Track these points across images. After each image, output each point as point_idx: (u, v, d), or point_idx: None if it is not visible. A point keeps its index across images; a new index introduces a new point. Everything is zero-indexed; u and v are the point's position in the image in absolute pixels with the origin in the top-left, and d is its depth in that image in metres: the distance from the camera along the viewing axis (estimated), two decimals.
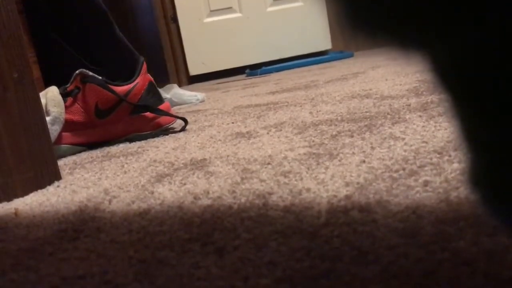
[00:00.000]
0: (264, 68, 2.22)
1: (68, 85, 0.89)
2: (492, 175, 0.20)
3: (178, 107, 1.42)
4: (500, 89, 0.17)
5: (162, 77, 1.73)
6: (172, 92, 1.47)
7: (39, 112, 0.66)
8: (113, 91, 0.88)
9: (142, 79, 0.93)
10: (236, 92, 1.56)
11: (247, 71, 2.26)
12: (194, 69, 2.43)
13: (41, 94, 0.85)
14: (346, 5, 0.19)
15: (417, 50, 0.20)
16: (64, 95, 0.88)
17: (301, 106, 0.99)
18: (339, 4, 0.19)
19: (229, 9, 2.43)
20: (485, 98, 0.18)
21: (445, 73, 0.20)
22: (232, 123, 0.92)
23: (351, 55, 2.29)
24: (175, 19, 2.40)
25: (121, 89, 0.89)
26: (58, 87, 0.89)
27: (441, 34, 0.17)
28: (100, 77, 0.89)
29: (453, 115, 0.21)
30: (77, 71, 0.88)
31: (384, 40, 0.20)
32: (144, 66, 0.94)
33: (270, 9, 2.45)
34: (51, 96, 0.86)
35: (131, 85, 0.91)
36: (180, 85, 2.34)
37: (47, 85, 0.97)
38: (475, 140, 0.20)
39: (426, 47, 0.19)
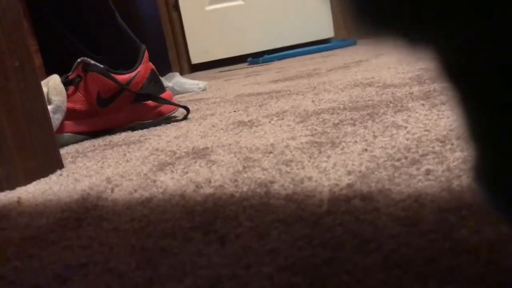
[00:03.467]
0: (266, 56, 2.21)
1: (70, 73, 0.89)
2: (498, 171, 0.20)
3: (180, 95, 1.42)
4: (506, 85, 0.17)
5: (164, 66, 1.73)
6: (174, 81, 1.47)
7: (41, 101, 0.66)
8: (115, 80, 0.88)
9: (144, 67, 0.93)
10: (238, 81, 1.55)
11: (249, 59, 2.25)
12: (196, 58, 2.42)
13: (43, 82, 0.85)
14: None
15: (424, 45, 0.20)
16: (66, 83, 0.88)
17: (303, 94, 0.99)
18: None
19: None
20: (492, 94, 0.18)
21: (452, 68, 0.20)
22: (234, 111, 0.92)
23: (354, 43, 2.28)
24: (177, 7, 2.38)
25: (123, 77, 0.89)
26: (60, 76, 0.89)
27: (448, 29, 0.17)
28: (102, 66, 0.88)
29: (460, 110, 0.21)
30: (78, 60, 0.88)
31: (390, 34, 0.20)
32: (146, 54, 0.94)
33: None
34: (53, 85, 0.86)
35: (133, 74, 0.91)
36: (182, 74, 2.33)
37: (48, 73, 0.97)
38: (481, 136, 0.20)
39: (433, 42, 0.19)
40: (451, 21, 0.17)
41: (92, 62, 0.88)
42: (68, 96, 0.87)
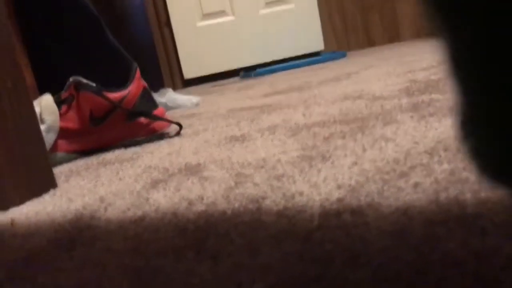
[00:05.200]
0: (258, 70, 2.22)
1: (62, 92, 0.90)
2: (481, 120, 0.19)
3: (173, 111, 1.43)
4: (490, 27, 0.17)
5: (157, 82, 1.74)
6: (167, 96, 1.48)
7: (33, 121, 0.66)
8: (107, 98, 0.88)
9: (136, 85, 0.93)
10: (231, 95, 1.56)
11: (242, 73, 2.26)
12: (189, 73, 2.43)
13: (36, 102, 0.85)
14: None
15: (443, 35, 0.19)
16: (59, 103, 0.88)
17: (294, 108, 1.00)
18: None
19: (222, 13, 2.43)
20: (477, 35, 0.17)
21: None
22: (227, 126, 0.93)
23: (343, 55, 2.30)
24: (168, 24, 2.40)
25: (115, 95, 0.90)
26: (52, 95, 0.90)
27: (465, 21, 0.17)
28: (94, 84, 0.89)
29: (449, 56, 0.19)
30: (71, 79, 0.89)
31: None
32: (138, 72, 0.95)
33: (262, 11, 2.46)
34: (45, 104, 0.86)
35: (125, 92, 0.91)
36: (175, 89, 2.34)
37: (41, 92, 0.97)
38: (467, 82, 0.19)
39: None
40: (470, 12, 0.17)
41: (84, 81, 0.88)
42: (61, 115, 0.87)
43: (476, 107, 0.19)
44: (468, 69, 0.19)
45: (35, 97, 0.91)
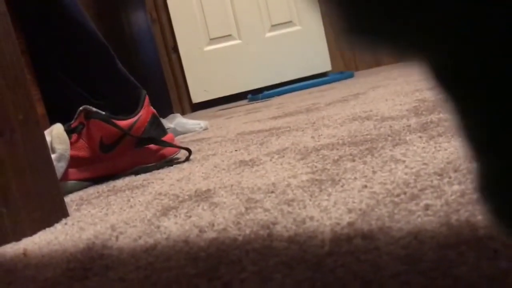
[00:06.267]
0: (265, 92, 2.24)
1: (72, 121, 0.91)
2: (503, 180, 0.19)
3: (182, 136, 1.44)
4: (502, 92, 0.17)
5: (165, 107, 1.76)
6: (176, 122, 1.49)
7: (44, 151, 0.67)
8: (117, 126, 0.90)
9: (145, 111, 0.94)
10: (239, 118, 1.57)
11: (249, 96, 2.28)
12: (197, 97, 2.45)
13: (46, 132, 0.87)
14: (345, 13, 0.19)
15: (418, 55, 0.20)
16: (69, 131, 0.89)
17: (303, 130, 1.00)
18: (338, 14, 0.19)
19: (228, 37, 2.46)
20: (486, 99, 0.18)
21: (445, 75, 0.19)
22: (236, 150, 0.93)
23: (351, 76, 2.31)
24: (175, 49, 2.43)
25: (124, 123, 0.91)
26: (63, 124, 0.91)
27: (441, 37, 0.17)
28: (104, 112, 0.90)
29: (458, 121, 0.20)
30: (80, 108, 0.90)
31: (384, 46, 0.20)
32: (147, 98, 0.96)
33: (268, 34, 2.48)
34: (56, 134, 0.87)
35: (135, 119, 0.92)
36: (183, 113, 2.36)
37: (52, 121, 0.99)
38: (481, 144, 0.19)
39: (426, 51, 0.19)
40: (439, 27, 0.17)
41: (94, 109, 0.90)
42: (71, 144, 0.89)
43: (497, 173, 0.19)
44: (484, 141, 0.19)
45: (46, 127, 0.92)
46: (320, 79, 2.33)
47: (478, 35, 0.16)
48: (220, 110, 2.14)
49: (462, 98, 0.19)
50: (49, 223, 0.65)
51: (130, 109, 0.94)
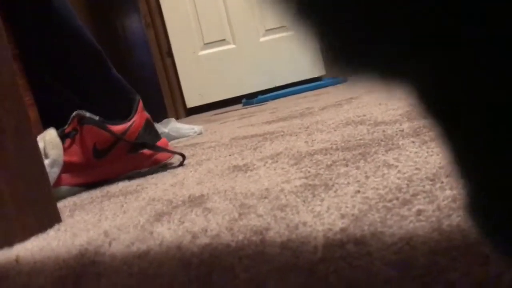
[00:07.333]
0: (260, 97, 2.24)
1: (65, 127, 0.91)
2: (490, 204, 0.19)
3: (176, 140, 1.43)
4: (483, 112, 0.17)
5: (159, 111, 1.75)
6: (170, 126, 1.49)
7: (37, 157, 0.67)
8: (110, 131, 0.89)
9: (139, 117, 0.94)
10: (233, 123, 1.57)
11: (244, 100, 2.28)
12: (191, 101, 2.45)
13: (39, 137, 0.86)
14: (329, 39, 0.19)
15: (399, 80, 0.20)
16: (62, 137, 0.89)
17: (296, 135, 1.00)
18: (322, 40, 0.20)
19: (222, 41, 2.47)
20: (474, 126, 0.18)
21: (430, 102, 0.19)
22: (229, 155, 0.93)
23: (345, 80, 2.31)
24: (170, 54, 2.43)
25: (118, 128, 0.91)
26: (56, 129, 0.90)
27: (417, 59, 0.18)
28: (97, 117, 0.90)
29: (445, 144, 0.20)
30: (74, 113, 0.90)
31: (365, 72, 0.20)
32: (141, 104, 0.96)
33: (263, 39, 2.49)
34: (49, 139, 0.87)
35: (128, 124, 0.92)
36: (178, 118, 2.36)
37: (45, 126, 0.98)
38: (469, 169, 0.20)
39: (407, 77, 0.19)
40: (422, 54, 0.17)
41: (88, 114, 0.89)
42: (65, 149, 0.88)
43: (481, 194, 0.20)
44: (469, 164, 0.19)
45: (39, 132, 0.92)
46: (314, 84, 2.34)
47: (462, 66, 0.17)
48: (215, 114, 2.14)
49: (447, 125, 0.19)
50: (42, 229, 0.64)
51: (124, 114, 0.94)
